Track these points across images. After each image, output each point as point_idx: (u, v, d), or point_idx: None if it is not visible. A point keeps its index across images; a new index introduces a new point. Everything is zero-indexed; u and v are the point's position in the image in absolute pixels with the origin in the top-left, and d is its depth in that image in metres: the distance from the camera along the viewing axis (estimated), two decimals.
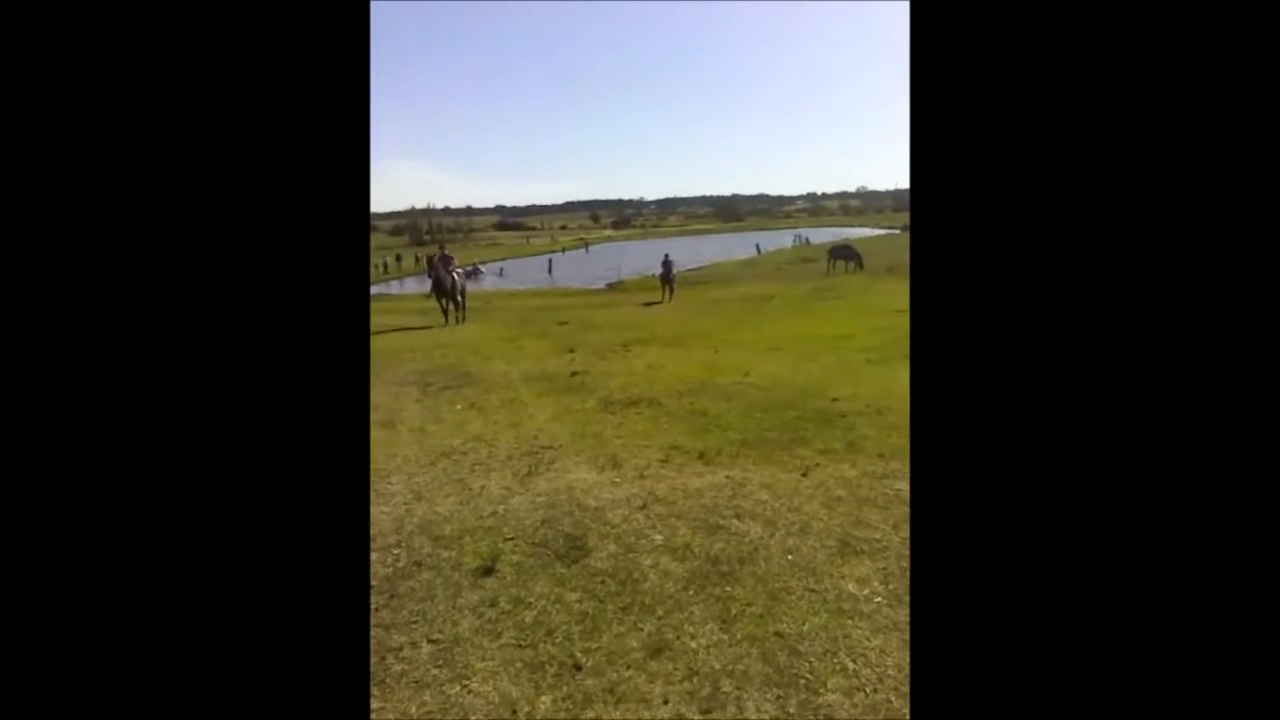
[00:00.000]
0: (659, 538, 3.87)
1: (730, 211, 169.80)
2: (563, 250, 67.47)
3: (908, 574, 3.36)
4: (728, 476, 4.76)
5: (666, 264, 22.33)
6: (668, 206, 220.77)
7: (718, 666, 2.75)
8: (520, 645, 2.94)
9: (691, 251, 47.52)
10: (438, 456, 5.46)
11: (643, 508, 4.29)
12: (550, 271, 41.55)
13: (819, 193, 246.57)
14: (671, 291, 21.67)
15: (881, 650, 2.81)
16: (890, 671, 2.68)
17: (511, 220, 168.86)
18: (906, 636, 2.88)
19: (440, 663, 2.85)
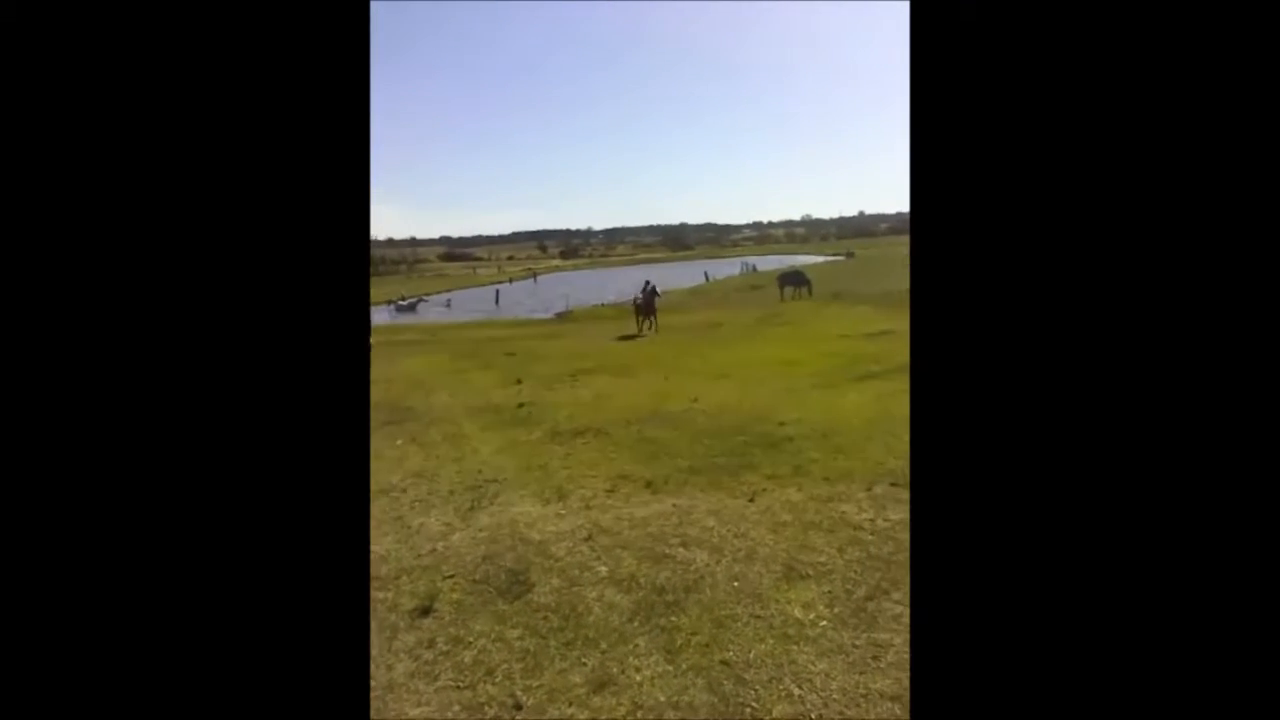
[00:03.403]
0: (604, 569, 3.80)
1: (678, 240, 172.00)
2: (510, 281, 67.10)
3: (852, 597, 3.37)
4: (674, 504, 4.73)
5: (648, 291, 18.99)
6: (616, 236, 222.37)
7: (663, 699, 2.69)
8: (458, 687, 2.83)
9: (641, 280, 47.91)
10: (376, 494, 5.27)
11: (588, 539, 4.21)
12: (497, 302, 41.21)
13: (765, 221, 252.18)
14: (653, 323, 18.48)
15: (826, 674, 2.79)
16: (835, 695, 2.66)
17: (458, 251, 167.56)
18: (851, 659, 2.88)
19: (373, 710, 2.71)
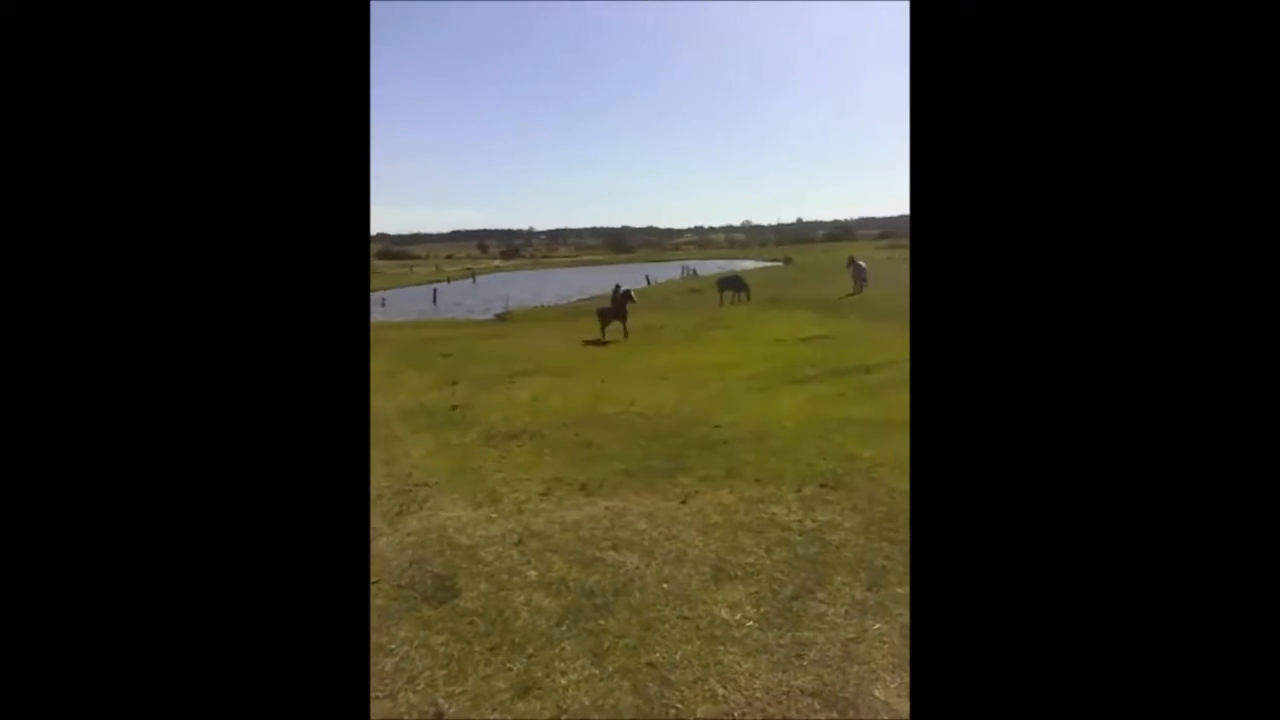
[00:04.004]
0: (533, 573, 3.77)
1: (620, 243, 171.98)
2: (448, 280, 65.75)
3: (778, 596, 3.43)
4: (607, 507, 4.73)
5: (620, 295, 16.88)
6: (558, 237, 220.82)
7: (587, 702, 2.68)
8: (378, 696, 2.76)
9: (582, 282, 47.73)
10: None
11: (518, 543, 4.17)
12: (435, 302, 40.35)
13: (706, 226, 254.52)
14: (624, 329, 16.40)
15: (751, 674, 2.83)
16: (758, 694, 2.70)
17: (395, 249, 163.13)
18: (776, 658, 2.93)
19: None
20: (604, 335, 16.22)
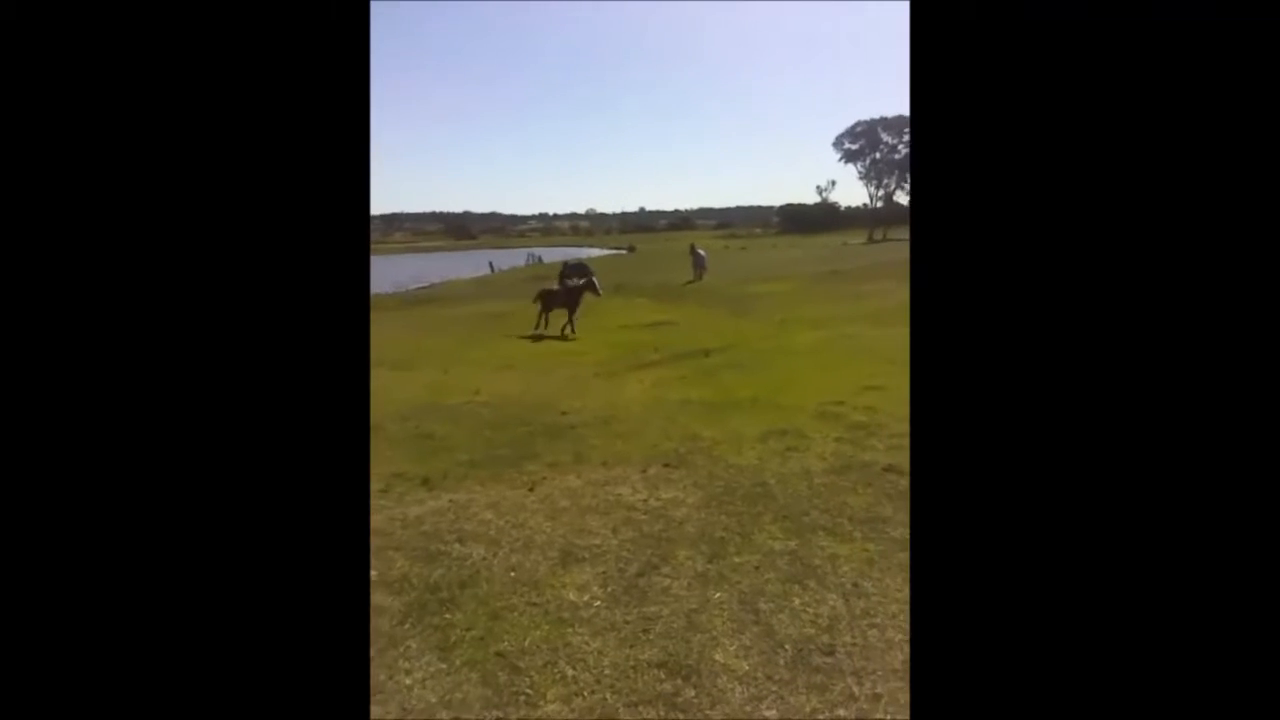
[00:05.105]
0: (373, 573, 3.60)
1: (462, 229, 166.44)
2: None
3: (625, 575, 3.52)
4: (451, 500, 4.61)
5: (577, 284, 13.73)
6: (393, 222, 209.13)
7: (434, 699, 2.62)
8: None
9: (419, 269, 45.82)
10: None
11: None
12: None
13: (551, 213, 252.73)
14: (571, 323, 13.07)
15: (599, 652, 2.89)
16: (607, 671, 2.76)
17: None
18: (623, 635, 3.01)
19: None
20: (542, 325, 13.08)
